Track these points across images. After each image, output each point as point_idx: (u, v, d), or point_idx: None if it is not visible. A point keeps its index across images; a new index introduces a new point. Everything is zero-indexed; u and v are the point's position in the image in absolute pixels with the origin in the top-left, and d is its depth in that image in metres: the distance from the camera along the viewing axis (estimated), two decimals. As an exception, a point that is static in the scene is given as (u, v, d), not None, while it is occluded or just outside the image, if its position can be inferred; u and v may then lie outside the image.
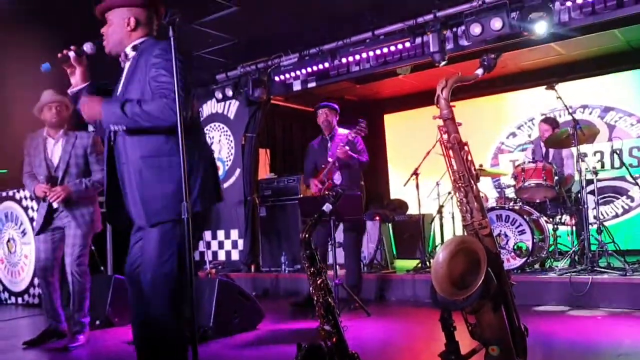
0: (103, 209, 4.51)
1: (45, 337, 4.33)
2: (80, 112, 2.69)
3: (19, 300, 6.68)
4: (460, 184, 2.55)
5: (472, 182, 2.53)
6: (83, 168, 4.25)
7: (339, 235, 5.53)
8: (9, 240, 6.79)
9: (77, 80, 2.70)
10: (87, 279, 4.28)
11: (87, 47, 2.65)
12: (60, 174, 4.21)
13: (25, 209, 6.45)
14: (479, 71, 2.68)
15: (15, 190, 6.57)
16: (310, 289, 2.88)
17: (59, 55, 2.62)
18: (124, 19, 2.64)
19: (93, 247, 6.01)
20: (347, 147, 5.27)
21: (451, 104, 2.61)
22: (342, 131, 5.61)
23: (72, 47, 2.63)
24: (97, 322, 4.81)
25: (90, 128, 5.09)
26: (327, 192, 5.22)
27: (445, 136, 2.59)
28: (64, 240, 4.28)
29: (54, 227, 4.27)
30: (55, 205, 4.18)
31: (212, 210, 2.80)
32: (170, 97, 2.40)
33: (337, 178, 5.42)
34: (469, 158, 2.55)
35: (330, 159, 5.42)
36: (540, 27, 5.35)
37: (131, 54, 2.66)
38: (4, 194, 6.77)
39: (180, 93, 2.38)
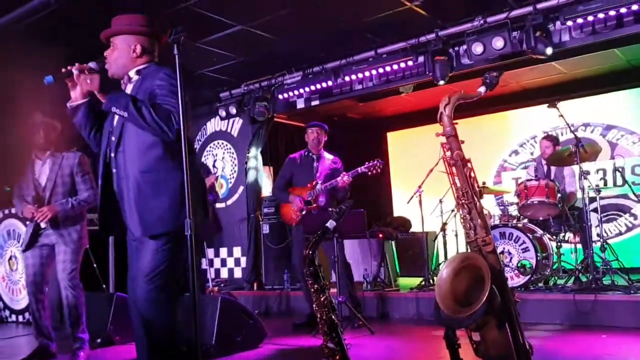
0: (90, 226, 4.59)
1: (36, 357, 4.26)
2: (80, 124, 2.79)
3: (20, 318, 6.64)
4: (463, 201, 2.55)
5: (476, 198, 2.53)
6: (69, 187, 4.29)
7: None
8: (10, 258, 6.78)
9: (76, 96, 2.75)
10: (81, 294, 4.27)
11: (92, 65, 2.70)
12: (47, 194, 4.25)
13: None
14: (482, 89, 2.69)
15: (18, 208, 6.58)
16: (314, 306, 2.88)
17: (63, 70, 2.67)
18: (130, 45, 2.75)
19: (95, 265, 6.01)
20: (350, 179, 5.19)
21: (454, 121, 2.63)
22: (327, 154, 5.57)
23: (76, 64, 2.68)
24: (98, 341, 4.77)
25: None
26: (314, 212, 5.21)
27: (448, 153, 2.60)
28: (52, 258, 4.29)
29: (41, 244, 4.28)
30: (42, 225, 4.21)
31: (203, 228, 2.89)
32: (173, 112, 2.50)
33: (322, 201, 5.36)
34: (472, 175, 2.55)
35: (318, 181, 5.36)
36: (549, 50, 5.41)
37: (135, 77, 2.77)
38: (6, 211, 6.78)
39: (177, 107, 2.49)
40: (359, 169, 5.21)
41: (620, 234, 7.63)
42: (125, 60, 2.75)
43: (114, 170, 2.71)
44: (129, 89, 2.77)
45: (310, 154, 5.55)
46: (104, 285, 6.37)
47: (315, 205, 5.31)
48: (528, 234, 5.37)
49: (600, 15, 5.18)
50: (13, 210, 6.66)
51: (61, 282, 4.23)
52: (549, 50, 5.42)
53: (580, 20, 5.29)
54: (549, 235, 5.75)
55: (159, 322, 2.55)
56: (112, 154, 2.70)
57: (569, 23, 5.36)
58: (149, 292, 2.55)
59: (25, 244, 4.31)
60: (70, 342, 4.29)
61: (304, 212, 5.32)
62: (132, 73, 2.77)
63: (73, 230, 4.26)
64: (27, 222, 4.37)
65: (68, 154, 4.35)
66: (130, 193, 2.63)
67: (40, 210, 4.14)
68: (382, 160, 5.29)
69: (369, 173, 5.22)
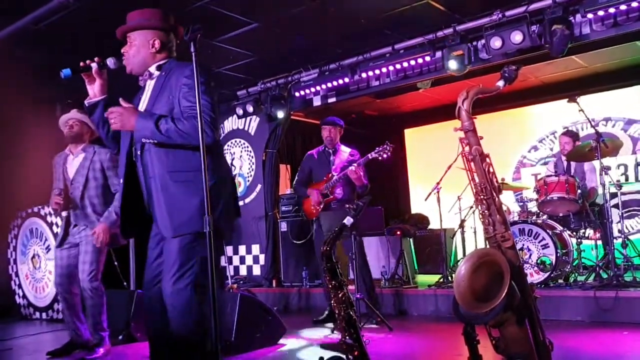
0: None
1: (69, 349, 4.41)
2: (98, 122, 2.77)
3: (43, 315, 6.75)
4: (482, 196, 2.53)
5: (494, 194, 2.51)
6: (102, 182, 4.33)
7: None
8: (33, 256, 6.89)
9: (95, 92, 2.76)
10: (101, 295, 4.31)
11: (110, 62, 2.71)
12: (80, 189, 4.30)
13: (50, 225, 6.55)
14: (500, 83, 2.66)
15: (40, 207, 6.68)
16: (332, 302, 2.88)
17: (82, 64, 2.68)
18: (149, 40, 2.71)
19: (116, 263, 6.08)
20: (361, 168, 5.19)
21: (472, 117, 2.60)
22: (344, 148, 5.59)
23: (95, 59, 2.69)
24: (120, 338, 4.84)
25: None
26: (333, 205, 5.23)
27: (466, 148, 2.57)
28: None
29: (71, 244, 4.36)
30: (73, 222, 4.29)
31: (234, 226, 2.85)
32: (203, 117, 2.47)
33: (339, 192, 5.40)
34: (491, 170, 2.53)
35: (334, 173, 5.39)
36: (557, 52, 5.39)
37: (156, 73, 2.73)
38: (29, 210, 6.89)
39: (209, 113, 2.52)
40: (368, 155, 5.22)
41: (643, 230, 7.51)
42: (144, 55, 2.72)
43: (140, 169, 2.68)
44: (150, 85, 2.75)
45: (327, 149, 5.60)
46: (125, 283, 6.44)
47: (332, 197, 5.34)
48: (548, 231, 5.32)
49: (623, 7, 5.09)
50: (35, 209, 6.77)
51: (81, 283, 4.28)
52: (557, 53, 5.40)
53: (601, 13, 5.20)
54: (569, 232, 5.68)
55: (186, 320, 2.51)
56: (139, 152, 2.67)
57: (590, 15, 5.28)
58: (177, 290, 2.51)
59: (59, 240, 4.40)
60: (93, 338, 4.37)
61: (322, 205, 5.35)
62: (152, 69, 2.74)
63: None
64: (61, 216, 4.46)
65: (100, 148, 4.37)
66: (159, 193, 2.60)
67: (95, 235, 4.16)
68: (392, 144, 5.26)
69: (379, 158, 5.18)
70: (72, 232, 4.35)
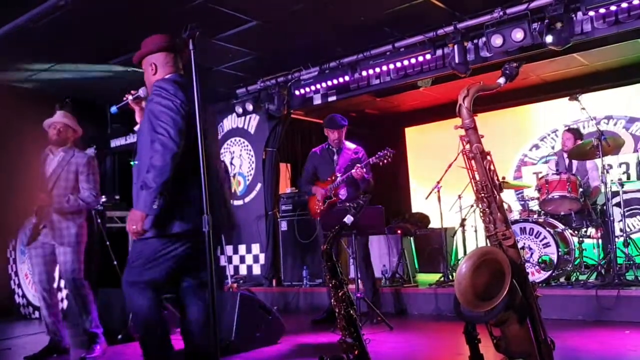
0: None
1: (46, 353, 4.34)
2: None
3: (43, 314, 6.73)
4: (483, 195, 2.51)
5: (495, 192, 2.49)
6: (72, 184, 4.34)
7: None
8: (33, 256, 6.87)
9: (138, 119, 3.19)
10: (88, 292, 4.31)
11: (142, 91, 3.14)
12: (50, 186, 4.29)
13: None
14: (501, 80, 2.64)
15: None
16: (332, 301, 2.87)
17: (124, 98, 3.17)
18: (149, 65, 3.05)
19: (115, 262, 6.06)
20: (364, 169, 5.21)
21: (473, 114, 2.58)
22: (349, 144, 5.58)
23: (131, 92, 3.14)
24: (119, 337, 4.83)
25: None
26: (339, 205, 5.22)
27: (467, 146, 2.55)
28: (55, 257, 4.33)
29: (43, 242, 4.31)
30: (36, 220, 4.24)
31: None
32: (155, 144, 2.69)
33: (343, 194, 5.39)
34: (492, 168, 2.50)
35: (338, 174, 5.38)
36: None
37: None
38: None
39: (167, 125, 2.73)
40: (370, 159, 5.27)
41: (644, 228, 7.48)
42: (149, 79, 3.04)
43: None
44: None
45: (331, 147, 5.60)
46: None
47: (335, 199, 5.33)
48: (549, 229, 5.30)
49: (624, 5, 5.06)
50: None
51: (66, 282, 4.28)
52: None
53: (602, 10, 5.17)
54: (570, 231, 5.66)
55: (135, 313, 2.81)
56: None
57: (591, 13, 5.25)
58: (123, 282, 2.83)
59: (27, 239, 4.36)
60: (85, 338, 4.36)
61: (326, 205, 5.34)
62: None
63: (65, 227, 4.27)
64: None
65: (79, 153, 4.44)
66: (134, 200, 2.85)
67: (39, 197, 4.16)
68: (393, 149, 5.29)
69: (381, 163, 5.22)
70: (45, 232, 4.30)
